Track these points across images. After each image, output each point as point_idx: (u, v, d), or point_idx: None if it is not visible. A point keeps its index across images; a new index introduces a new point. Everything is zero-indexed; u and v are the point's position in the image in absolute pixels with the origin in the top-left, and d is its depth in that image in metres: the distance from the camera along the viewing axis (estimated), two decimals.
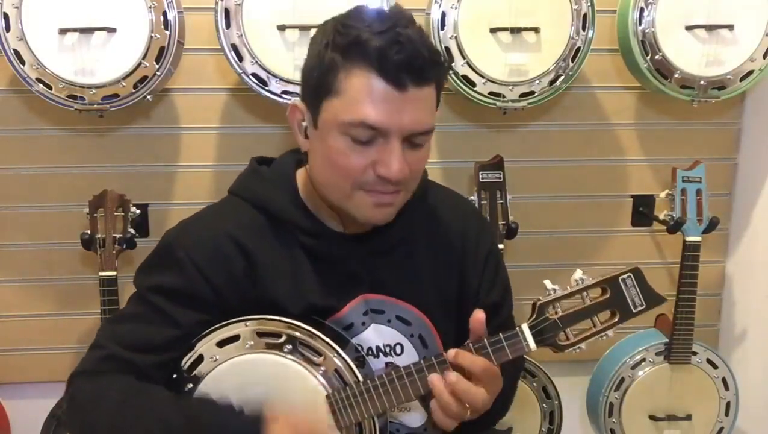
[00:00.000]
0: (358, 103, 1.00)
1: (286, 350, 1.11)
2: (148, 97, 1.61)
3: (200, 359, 1.13)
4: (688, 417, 1.84)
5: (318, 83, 1.03)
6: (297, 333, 1.11)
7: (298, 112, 1.10)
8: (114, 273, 1.64)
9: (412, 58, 0.98)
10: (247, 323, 1.12)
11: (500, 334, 1.06)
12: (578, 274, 1.08)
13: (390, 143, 1.02)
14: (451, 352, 1.06)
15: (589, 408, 1.94)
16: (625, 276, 1.08)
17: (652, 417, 1.84)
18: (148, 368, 1.10)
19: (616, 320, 1.09)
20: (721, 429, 1.87)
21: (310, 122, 1.08)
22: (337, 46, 1.00)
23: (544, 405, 1.84)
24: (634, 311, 1.09)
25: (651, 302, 1.09)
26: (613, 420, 1.84)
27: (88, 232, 1.66)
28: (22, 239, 1.85)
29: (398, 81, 0.99)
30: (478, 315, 1.07)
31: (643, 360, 1.82)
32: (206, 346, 1.13)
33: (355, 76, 1.00)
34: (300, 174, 1.19)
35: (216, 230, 1.13)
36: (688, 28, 1.67)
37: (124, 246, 1.66)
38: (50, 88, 1.56)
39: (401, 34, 0.98)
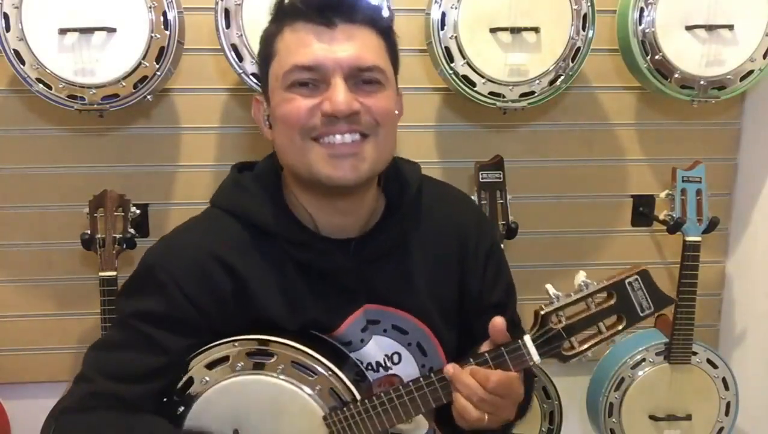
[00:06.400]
0: (291, 53, 1.01)
1: (278, 370, 1.06)
2: (148, 97, 1.61)
3: (190, 381, 1.08)
4: (688, 417, 1.84)
5: (262, 59, 1.07)
6: (289, 352, 1.06)
7: (259, 105, 1.11)
8: (114, 273, 1.64)
9: None
10: (236, 344, 1.07)
11: (501, 347, 1.01)
12: (581, 277, 1.01)
13: (333, 83, 1.00)
14: (449, 368, 1.01)
15: (589, 408, 1.94)
16: (632, 279, 1.01)
17: (652, 417, 1.84)
18: (136, 399, 1.05)
19: (624, 325, 1.02)
20: (721, 429, 1.87)
21: (267, 105, 1.08)
22: (270, 20, 1.06)
23: (544, 405, 1.84)
24: (641, 314, 1.02)
25: (659, 305, 1.02)
26: (613, 420, 1.84)
27: (88, 232, 1.66)
28: (22, 239, 1.85)
29: (324, 18, 1.00)
30: (499, 325, 1.01)
31: (643, 360, 1.82)
32: (195, 368, 1.08)
33: (286, 34, 1.03)
34: (282, 177, 1.14)
35: (200, 250, 1.07)
36: (688, 28, 1.67)
37: (124, 246, 1.66)
38: (50, 88, 1.56)
39: None
